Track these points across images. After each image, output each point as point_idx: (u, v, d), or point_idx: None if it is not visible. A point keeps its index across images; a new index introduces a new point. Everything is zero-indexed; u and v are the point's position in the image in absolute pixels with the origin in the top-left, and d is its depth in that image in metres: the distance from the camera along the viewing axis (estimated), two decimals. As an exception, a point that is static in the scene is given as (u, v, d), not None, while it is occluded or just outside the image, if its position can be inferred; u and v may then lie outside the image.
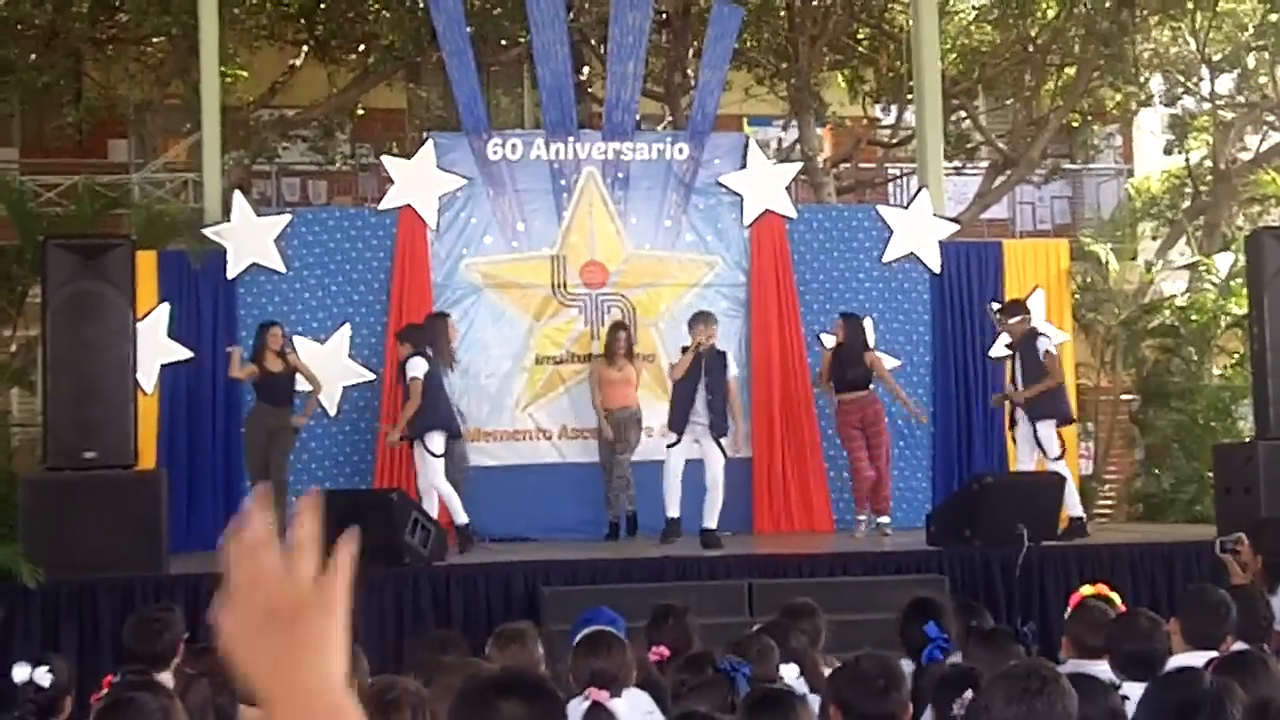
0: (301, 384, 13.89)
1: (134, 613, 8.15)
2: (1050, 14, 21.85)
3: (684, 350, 13.15)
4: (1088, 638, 6.29)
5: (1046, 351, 13.34)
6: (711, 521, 12.68)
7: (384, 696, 4.38)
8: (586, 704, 4.99)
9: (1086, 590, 6.95)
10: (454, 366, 13.64)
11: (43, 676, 5.89)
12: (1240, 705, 3.84)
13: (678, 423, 12.84)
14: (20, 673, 5.87)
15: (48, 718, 5.94)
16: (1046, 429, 13.27)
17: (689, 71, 20.75)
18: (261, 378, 13.62)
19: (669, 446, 12.92)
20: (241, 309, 14.49)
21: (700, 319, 13.10)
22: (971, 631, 6.40)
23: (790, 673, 5.84)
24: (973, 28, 22.81)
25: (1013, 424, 13.57)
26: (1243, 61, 22.20)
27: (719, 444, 12.83)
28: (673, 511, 12.76)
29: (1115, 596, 6.94)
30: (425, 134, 16.22)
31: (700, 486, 12.86)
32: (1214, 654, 5.90)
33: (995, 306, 14.65)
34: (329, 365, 14.27)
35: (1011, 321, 13.65)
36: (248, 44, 20.96)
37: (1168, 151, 23.37)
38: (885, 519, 13.65)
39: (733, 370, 13.11)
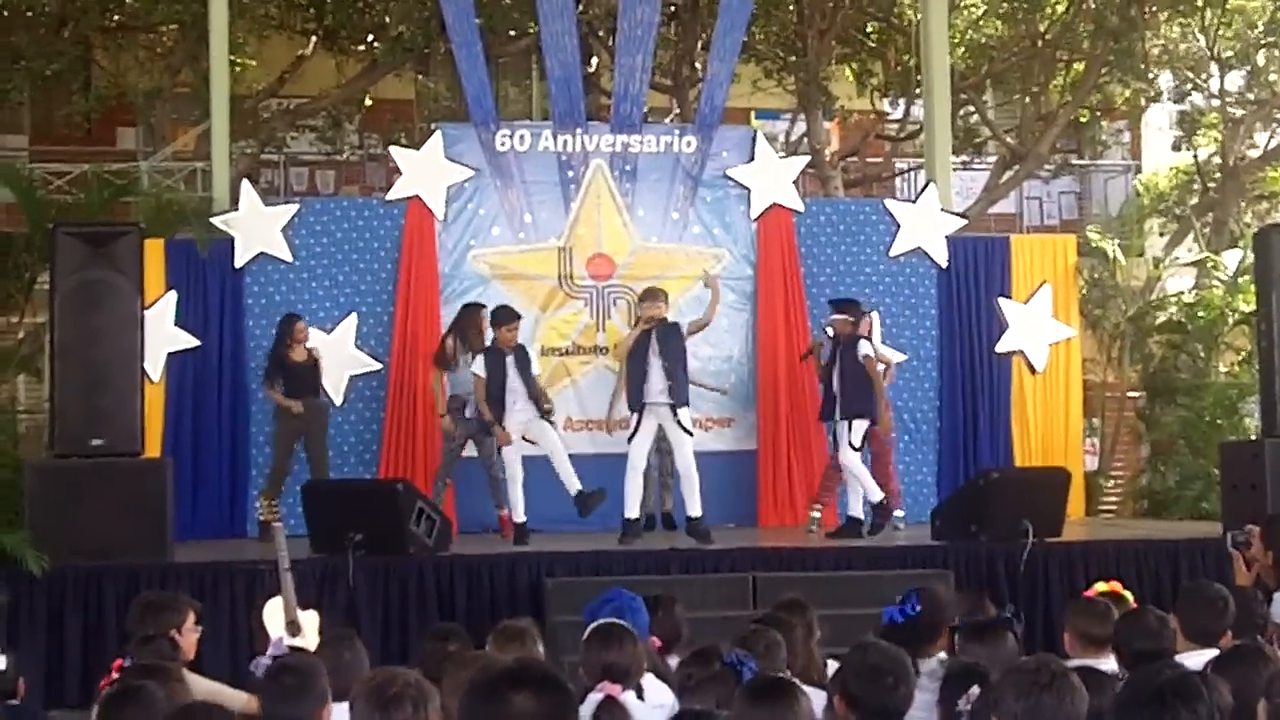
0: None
1: (138, 597, 8.18)
2: (1059, 9, 21.84)
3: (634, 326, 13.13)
4: (1091, 629, 6.31)
5: (866, 356, 13.06)
6: (695, 509, 12.46)
7: (384, 690, 4.36)
8: (600, 698, 4.97)
9: (1101, 587, 6.95)
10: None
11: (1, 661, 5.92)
12: (1219, 700, 3.80)
13: (633, 400, 12.61)
14: None
15: (8, 700, 5.97)
16: (860, 427, 13.03)
17: (697, 64, 20.73)
18: (284, 367, 13.69)
19: (629, 439, 12.64)
20: (249, 298, 14.51)
21: (648, 295, 12.92)
22: (960, 629, 6.39)
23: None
24: (981, 22, 22.78)
25: (828, 416, 13.25)
26: (1252, 59, 22.16)
27: (681, 425, 12.48)
28: (631, 512, 12.52)
29: (1129, 595, 6.94)
30: (433, 125, 16.22)
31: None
32: (1214, 650, 5.92)
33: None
34: (335, 354, 14.29)
35: (834, 317, 13.32)
36: (257, 33, 20.99)
37: (1176, 148, 23.34)
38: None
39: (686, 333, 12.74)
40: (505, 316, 12.93)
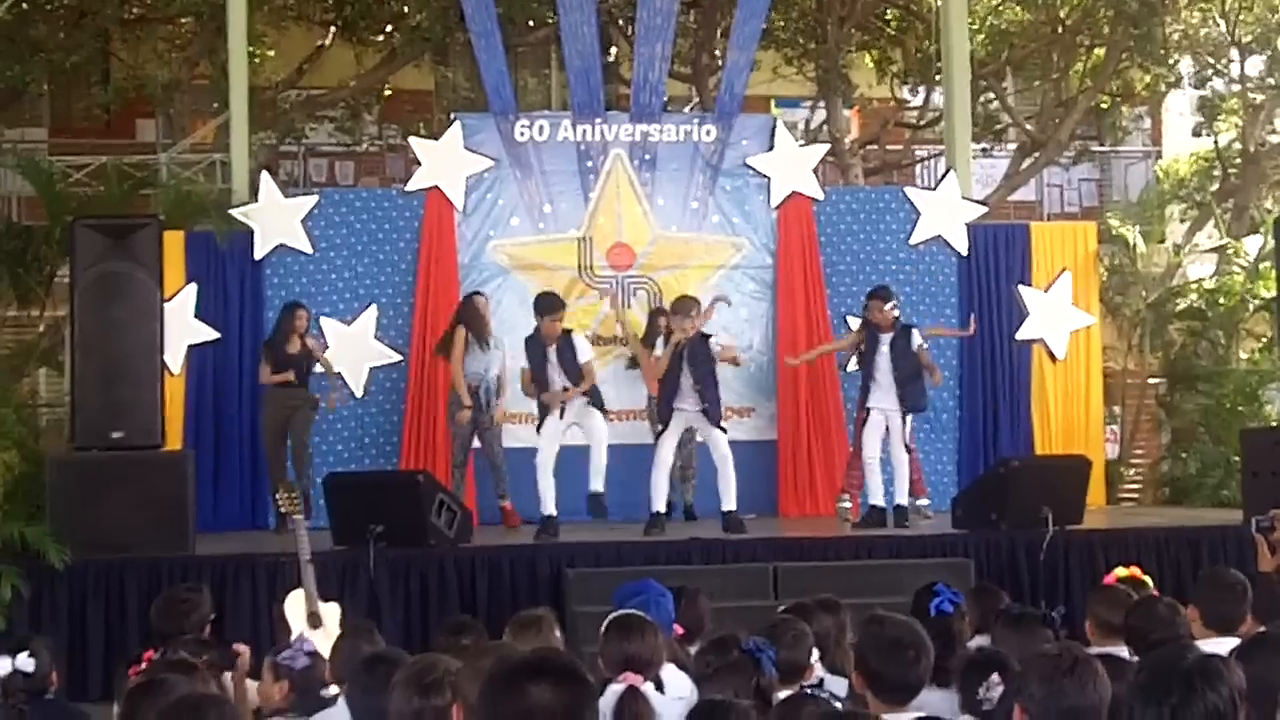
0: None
1: (162, 592, 8.19)
2: (1079, -5, 21.76)
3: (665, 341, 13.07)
4: (1111, 617, 6.29)
5: (921, 346, 13.04)
6: (730, 503, 12.49)
7: (425, 677, 4.36)
8: (621, 689, 4.95)
9: (1121, 572, 6.93)
10: (486, 346, 13.48)
11: (25, 663, 5.86)
12: (1237, 681, 3.78)
13: (663, 413, 12.68)
14: (2, 665, 5.83)
15: (38, 698, 5.92)
16: (911, 422, 13.15)
17: (716, 52, 20.69)
18: (281, 359, 13.64)
19: (657, 437, 12.73)
20: (269, 289, 14.52)
21: (679, 308, 12.83)
22: (1000, 615, 6.38)
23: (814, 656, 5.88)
24: (1002, 8, 22.69)
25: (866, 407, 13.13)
26: (1273, 43, 22.03)
27: (717, 425, 12.59)
28: (658, 506, 12.50)
29: (1148, 580, 6.92)
30: (452, 115, 16.22)
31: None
32: (1234, 638, 5.89)
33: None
34: (355, 346, 14.30)
35: (885, 306, 13.14)
36: (275, 24, 20.99)
37: (1196, 134, 23.26)
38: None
39: (715, 350, 12.71)
40: (544, 307, 12.69)
